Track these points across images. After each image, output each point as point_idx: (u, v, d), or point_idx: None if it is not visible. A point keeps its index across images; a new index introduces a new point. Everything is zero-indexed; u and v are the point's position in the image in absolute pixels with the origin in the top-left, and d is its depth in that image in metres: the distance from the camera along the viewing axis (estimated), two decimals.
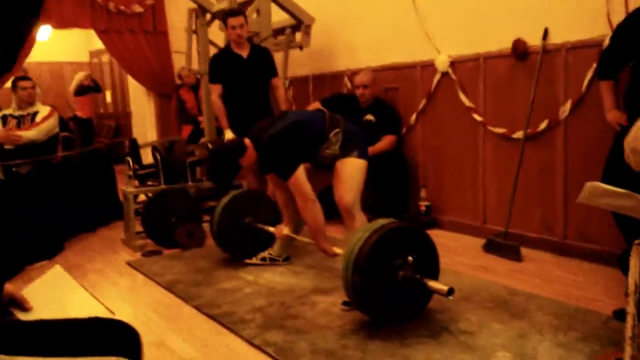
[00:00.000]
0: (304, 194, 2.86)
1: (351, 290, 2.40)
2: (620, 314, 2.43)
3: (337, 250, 2.89)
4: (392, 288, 2.39)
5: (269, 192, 4.35)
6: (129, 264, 3.71)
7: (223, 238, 3.58)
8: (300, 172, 2.86)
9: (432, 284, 2.35)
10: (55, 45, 9.30)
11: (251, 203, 3.65)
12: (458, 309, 2.65)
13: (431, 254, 2.53)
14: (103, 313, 1.43)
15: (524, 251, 3.46)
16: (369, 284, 2.35)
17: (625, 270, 2.10)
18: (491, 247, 3.58)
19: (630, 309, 1.71)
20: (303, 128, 2.96)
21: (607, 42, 3.06)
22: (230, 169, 2.99)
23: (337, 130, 2.99)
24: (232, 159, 2.94)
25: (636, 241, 1.68)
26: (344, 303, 2.71)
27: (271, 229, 3.45)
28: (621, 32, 2.88)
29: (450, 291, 2.28)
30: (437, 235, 4.06)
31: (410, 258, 2.38)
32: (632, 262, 1.68)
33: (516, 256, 3.40)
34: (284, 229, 3.37)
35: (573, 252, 3.40)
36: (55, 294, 1.53)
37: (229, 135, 4.37)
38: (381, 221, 2.49)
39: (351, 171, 2.96)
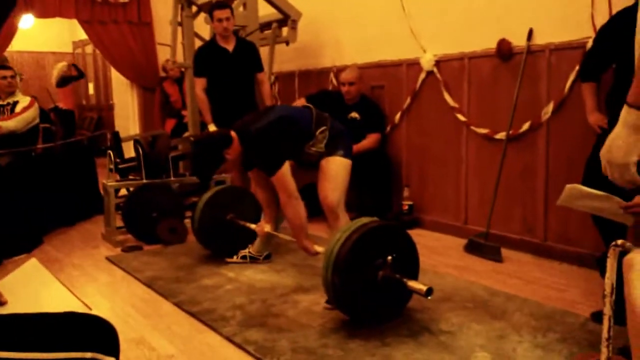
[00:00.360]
0: (288, 191, 2.84)
1: (331, 290, 2.40)
2: (598, 316, 2.46)
3: (319, 248, 2.88)
4: (371, 288, 2.39)
5: (252, 189, 4.33)
6: (108, 259, 3.67)
7: (204, 234, 3.56)
8: (286, 168, 2.84)
9: (412, 284, 2.36)
10: (38, 35, 9.14)
11: (233, 199, 3.63)
12: (439, 309, 2.66)
13: (411, 253, 2.53)
14: (79, 308, 1.41)
15: (505, 252, 3.48)
16: (348, 284, 2.35)
17: (603, 272, 2.12)
18: (472, 248, 3.60)
19: (607, 310, 1.72)
20: (290, 124, 2.93)
21: (590, 44, 3.08)
22: (214, 161, 2.94)
23: (323, 128, 2.96)
24: (217, 151, 2.89)
25: (612, 243, 1.69)
26: (328, 302, 2.70)
27: (252, 226, 3.44)
28: (604, 34, 2.90)
29: (429, 291, 2.28)
30: (419, 235, 4.09)
31: (389, 257, 2.38)
32: (609, 263, 1.69)
33: (497, 257, 3.42)
34: (266, 227, 3.35)
35: (553, 253, 3.44)
36: (30, 287, 1.51)
37: (212, 129, 4.33)
38: (362, 220, 2.48)
39: (336, 170, 2.95)
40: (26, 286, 1.51)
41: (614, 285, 1.69)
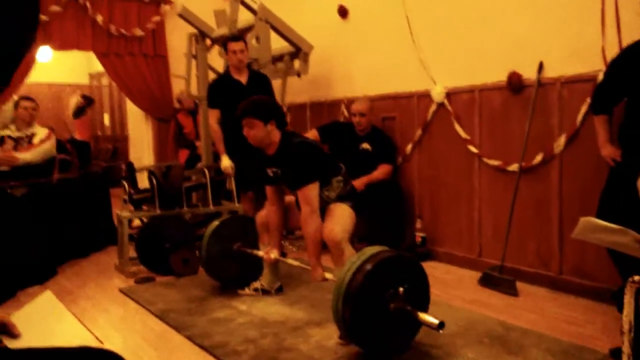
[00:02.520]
0: (313, 206, 2.89)
1: (342, 321, 2.36)
2: (616, 353, 2.41)
3: (328, 275, 2.87)
4: (383, 319, 2.35)
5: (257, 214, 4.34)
6: (121, 290, 3.67)
7: (212, 265, 3.55)
8: (316, 185, 2.91)
9: (423, 316, 2.32)
10: (55, 67, 9.33)
11: (239, 229, 3.61)
12: (454, 345, 2.62)
13: (422, 282, 2.49)
14: (92, 341, 1.41)
15: (520, 285, 3.44)
16: (359, 315, 2.32)
17: (620, 307, 2.09)
18: (487, 281, 3.56)
19: (626, 348, 1.69)
20: (323, 152, 3.12)
21: (601, 77, 3.09)
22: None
23: (340, 178, 3.06)
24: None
25: (630, 279, 1.66)
26: (341, 337, 2.67)
27: (260, 253, 3.41)
28: (615, 67, 2.91)
29: (441, 325, 2.25)
30: (433, 267, 4.06)
31: (401, 289, 2.35)
32: (626, 300, 1.67)
33: (512, 291, 3.38)
34: (272, 253, 3.32)
35: (569, 287, 3.38)
36: (44, 320, 1.51)
37: (225, 161, 4.38)
38: (371, 249, 2.45)
39: (342, 213, 3.00)
40: (40, 319, 1.51)
41: (632, 323, 1.66)
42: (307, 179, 2.91)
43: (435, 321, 2.26)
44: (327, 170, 3.03)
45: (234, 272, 3.56)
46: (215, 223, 3.61)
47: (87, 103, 8.15)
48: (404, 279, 2.40)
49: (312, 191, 2.90)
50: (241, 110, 3.06)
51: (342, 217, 2.97)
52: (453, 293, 3.46)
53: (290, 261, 3.29)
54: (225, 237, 3.56)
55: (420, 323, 2.37)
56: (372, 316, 2.34)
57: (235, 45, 4.30)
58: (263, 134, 3.01)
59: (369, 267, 2.33)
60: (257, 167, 3.24)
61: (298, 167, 2.96)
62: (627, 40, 2.97)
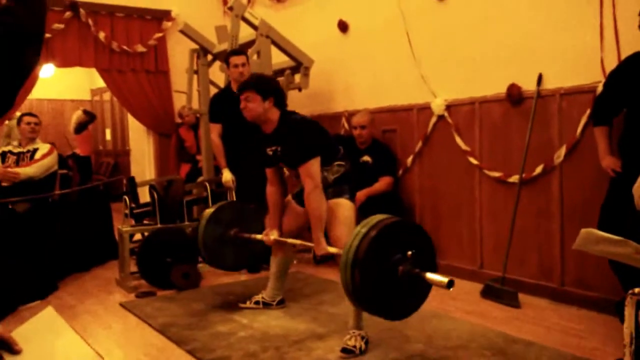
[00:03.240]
0: (315, 181, 2.86)
1: (351, 291, 2.30)
2: None
3: (332, 249, 2.84)
4: (392, 284, 2.30)
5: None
6: (122, 305, 3.66)
7: (210, 251, 3.49)
8: (317, 161, 2.89)
9: (432, 277, 2.26)
10: (57, 83, 9.41)
11: (236, 215, 3.56)
12: (456, 357, 2.61)
13: (427, 247, 2.44)
14: (93, 358, 1.41)
15: (522, 297, 3.42)
16: (368, 282, 2.26)
17: (623, 318, 2.08)
18: (489, 293, 3.55)
19: None
20: (326, 132, 3.10)
21: (600, 88, 3.11)
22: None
23: (342, 162, 3.05)
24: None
25: (630, 291, 1.66)
26: (343, 350, 2.66)
27: (259, 236, 3.35)
28: (614, 79, 2.93)
29: (450, 283, 2.19)
30: None
31: (409, 252, 2.30)
32: (627, 312, 1.66)
33: (514, 302, 3.37)
34: (272, 234, 3.24)
35: (571, 298, 3.37)
36: (45, 336, 1.51)
37: (226, 174, 4.39)
38: (375, 217, 2.40)
39: (346, 213, 2.97)
40: (41, 335, 1.51)
41: (633, 335, 1.65)
42: (308, 154, 2.87)
43: (445, 279, 2.20)
44: (328, 147, 3.00)
45: (232, 258, 3.51)
46: (211, 209, 3.55)
47: (89, 119, 8.22)
48: (410, 244, 2.34)
49: (314, 166, 2.87)
50: (242, 84, 3.08)
51: (346, 219, 2.92)
52: (455, 305, 3.44)
53: (291, 241, 3.18)
54: (223, 222, 3.49)
55: (430, 285, 2.33)
56: (381, 281, 2.28)
57: (237, 59, 4.33)
58: (260, 109, 3.00)
59: (374, 233, 2.27)
60: (258, 150, 3.20)
61: (299, 142, 2.92)
62: (625, 52, 2.99)
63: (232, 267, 3.52)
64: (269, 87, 3.04)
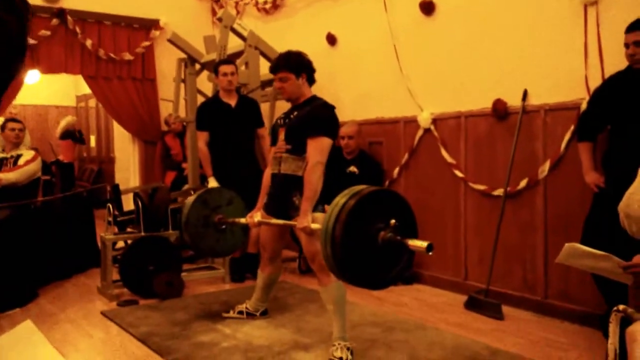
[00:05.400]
0: (322, 157, 2.82)
1: (331, 257, 2.24)
2: None
3: (314, 226, 2.73)
4: (373, 251, 2.25)
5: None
6: (103, 314, 3.61)
7: (191, 229, 3.39)
8: (329, 143, 2.85)
9: (412, 242, 2.22)
10: (42, 89, 9.31)
11: (221, 202, 3.48)
12: None
13: (407, 214, 2.37)
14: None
15: (505, 309, 3.44)
16: (348, 248, 2.21)
17: (606, 332, 2.10)
18: (473, 305, 3.57)
19: None
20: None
21: (584, 105, 3.17)
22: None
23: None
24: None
25: (615, 308, 1.68)
26: None
27: (243, 220, 3.29)
28: (598, 96, 2.99)
29: (430, 247, 2.17)
30: (419, 290, 4.06)
31: (392, 221, 2.24)
32: (611, 329, 1.68)
33: (498, 314, 3.38)
34: (256, 216, 3.17)
35: (554, 311, 3.40)
36: (23, 350, 1.49)
37: (212, 183, 4.37)
38: (353, 188, 2.34)
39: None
40: (19, 348, 1.49)
41: (617, 351, 1.67)
42: (325, 128, 2.84)
43: (424, 244, 2.18)
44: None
45: (213, 242, 3.44)
46: (200, 191, 3.51)
47: (78, 138, 8.28)
48: (390, 213, 2.28)
49: (325, 144, 2.83)
50: (274, 64, 3.03)
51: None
52: (439, 316, 3.45)
53: (274, 221, 3.06)
54: (210, 205, 3.43)
55: (412, 253, 2.29)
56: (362, 250, 2.23)
57: (226, 68, 4.35)
58: (295, 88, 2.97)
59: (352, 202, 2.22)
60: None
61: (321, 115, 2.90)
62: (609, 70, 3.06)
63: (210, 251, 3.47)
64: (301, 63, 3.00)
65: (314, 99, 3.02)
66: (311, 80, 3.05)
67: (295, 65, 2.97)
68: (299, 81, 2.97)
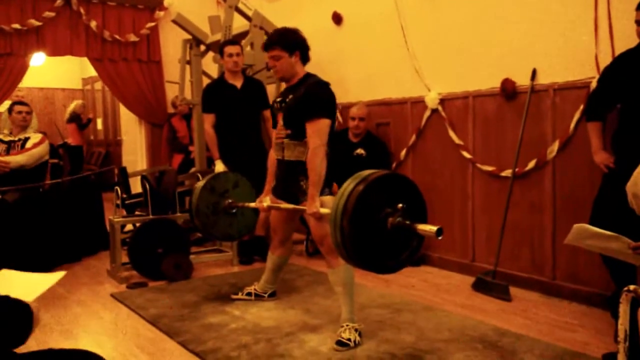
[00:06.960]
0: (323, 139, 2.76)
1: (340, 240, 2.24)
2: (609, 358, 2.42)
3: (324, 210, 2.73)
4: (382, 235, 2.25)
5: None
6: (113, 296, 3.65)
7: (202, 217, 3.40)
8: (328, 123, 2.79)
9: (421, 227, 2.22)
10: (48, 72, 9.31)
11: (230, 186, 3.49)
12: (447, 350, 2.62)
13: (417, 199, 2.37)
14: (48, 281, 1.58)
15: (513, 290, 3.44)
16: (357, 232, 2.21)
17: (614, 313, 2.09)
18: (480, 286, 3.57)
19: (621, 357, 1.69)
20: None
21: (594, 84, 3.12)
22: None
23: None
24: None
25: (625, 288, 1.67)
26: (338, 343, 2.67)
27: (252, 204, 3.31)
28: (608, 74, 2.94)
29: (439, 231, 2.17)
30: (426, 272, 4.07)
31: (400, 205, 2.25)
32: (622, 309, 1.67)
33: (506, 296, 3.38)
34: (265, 201, 3.18)
35: (562, 292, 3.40)
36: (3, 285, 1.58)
37: (219, 166, 4.36)
38: (361, 173, 2.33)
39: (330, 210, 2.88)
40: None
41: (627, 332, 1.67)
42: (322, 110, 2.78)
43: (433, 228, 2.18)
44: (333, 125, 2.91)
45: (224, 228, 3.46)
46: (207, 177, 3.50)
47: (84, 124, 8.34)
48: (399, 197, 2.28)
49: (324, 126, 2.77)
50: (266, 41, 2.97)
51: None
52: (446, 298, 3.46)
53: (284, 205, 3.05)
54: (217, 191, 3.43)
55: (422, 238, 2.29)
56: (370, 234, 2.23)
57: (232, 49, 4.31)
58: (288, 66, 2.92)
59: (361, 187, 2.21)
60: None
61: (316, 96, 2.83)
62: (620, 49, 3.00)
63: (224, 236, 3.50)
64: (295, 41, 2.93)
65: (307, 77, 2.95)
66: (305, 59, 2.97)
67: (289, 42, 2.90)
68: (292, 59, 2.91)
